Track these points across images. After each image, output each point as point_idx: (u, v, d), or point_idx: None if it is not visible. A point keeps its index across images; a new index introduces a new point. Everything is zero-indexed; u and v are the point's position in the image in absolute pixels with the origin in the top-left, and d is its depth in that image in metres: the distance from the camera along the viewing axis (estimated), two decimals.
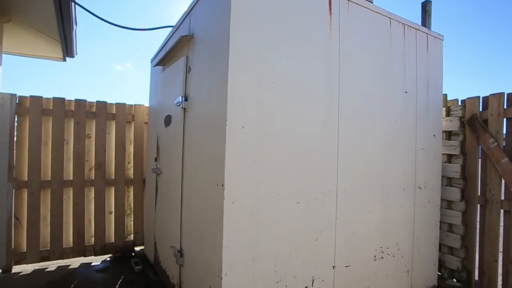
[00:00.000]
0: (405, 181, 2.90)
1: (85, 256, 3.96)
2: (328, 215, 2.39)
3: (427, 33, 3.11)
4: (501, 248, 3.05)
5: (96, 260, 3.98)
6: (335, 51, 2.42)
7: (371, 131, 2.66)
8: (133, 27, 4.33)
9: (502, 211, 3.02)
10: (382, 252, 2.74)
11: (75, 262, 3.90)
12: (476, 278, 3.24)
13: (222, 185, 1.91)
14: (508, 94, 3.01)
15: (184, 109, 2.63)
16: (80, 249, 3.93)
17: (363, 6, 2.62)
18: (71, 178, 3.86)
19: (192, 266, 2.43)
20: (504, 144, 3.03)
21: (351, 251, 2.53)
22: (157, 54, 3.78)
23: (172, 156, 2.90)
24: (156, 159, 3.44)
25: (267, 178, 2.09)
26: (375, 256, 2.69)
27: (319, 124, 2.34)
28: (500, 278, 3.06)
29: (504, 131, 3.04)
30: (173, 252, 2.70)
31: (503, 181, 2.99)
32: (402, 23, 2.89)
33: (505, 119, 3.02)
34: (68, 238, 3.89)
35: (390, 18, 2.79)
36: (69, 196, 3.87)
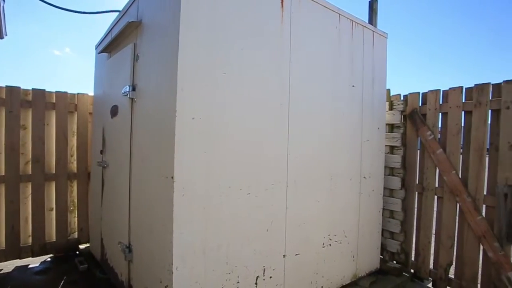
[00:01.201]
0: (351, 171, 3.05)
1: (20, 258, 3.59)
2: (278, 206, 2.44)
3: (373, 31, 3.25)
4: (434, 231, 3.35)
5: (34, 262, 3.67)
6: (286, 44, 2.45)
7: (321, 123, 2.74)
8: (74, 9, 4.02)
9: (436, 197, 3.31)
10: (330, 239, 2.86)
11: (8, 266, 3.54)
12: (413, 258, 3.53)
13: (172, 177, 1.86)
14: (444, 91, 3.27)
15: (132, 99, 2.51)
16: (14, 251, 3.55)
17: (314, 1, 2.67)
18: (3, 173, 3.51)
19: (141, 262, 2.35)
20: (439, 136, 3.30)
21: (301, 239, 2.61)
22: (102, 40, 3.54)
23: (119, 149, 2.76)
24: (102, 152, 3.25)
25: (218, 169, 2.07)
26: (323, 244, 2.81)
27: (270, 115, 2.36)
28: (432, 257, 3.36)
29: (440, 125, 3.31)
30: (121, 248, 2.59)
31: (437, 170, 3.27)
32: (351, 19, 3.00)
33: (440, 114, 3.29)
34: (0, 239, 3.55)
35: (339, 14, 2.88)
36: (1, 193, 3.52)
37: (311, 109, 2.65)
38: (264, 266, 2.36)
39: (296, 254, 2.58)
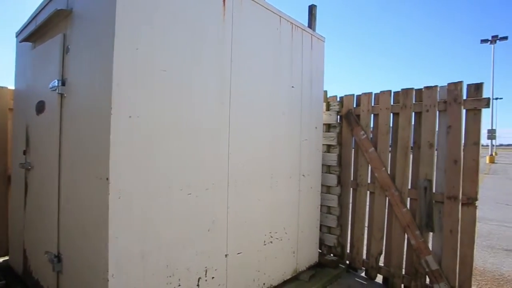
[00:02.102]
0: (291, 170, 3.15)
1: None
2: (219, 205, 2.43)
3: (311, 34, 3.39)
4: (367, 224, 3.59)
5: None
6: (228, 42, 2.45)
7: (261, 123, 2.79)
8: None
9: (368, 192, 3.56)
10: (271, 236, 2.93)
11: None
12: (348, 251, 3.75)
13: (107, 179, 1.76)
14: (375, 94, 3.52)
15: (61, 94, 2.31)
16: None
17: (256, 2, 2.70)
18: None
19: (73, 272, 2.18)
20: (371, 136, 3.55)
21: (243, 238, 2.64)
22: (25, 26, 3.20)
23: (46, 148, 2.52)
24: (25, 152, 2.94)
25: (157, 170, 2.00)
26: (264, 241, 2.86)
27: (211, 115, 2.34)
28: (365, 248, 3.61)
29: (372, 125, 3.56)
30: (48, 258, 2.36)
31: (370, 167, 3.51)
32: (291, 22, 3.09)
33: (372, 115, 3.54)
34: None
35: (280, 16, 2.95)
36: None
37: (252, 109, 2.69)
38: (206, 267, 2.33)
39: (238, 253, 2.60)
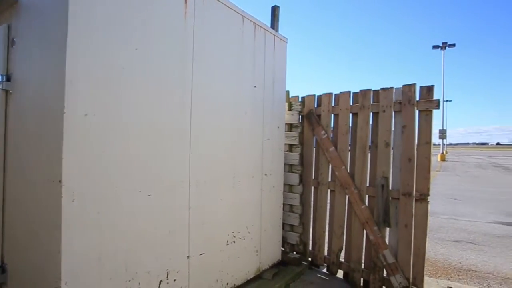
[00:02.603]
0: (253, 169, 3.16)
1: None
2: (181, 206, 2.39)
3: (274, 35, 3.42)
4: (328, 221, 3.69)
5: None
6: (190, 41, 2.41)
7: (223, 122, 2.78)
8: None
9: (329, 190, 3.65)
10: (234, 236, 2.92)
11: None
12: (310, 248, 3.83)
13: (60, 181, 1.66)
14: (335, 95, 3.62)
15: (6, 91, 2.15)
16: None
17: (218, 1, 2.68)
18: None
19: (20, 282, 2.03)
20: (332, 135, 3.65)
21: (205, 239, 2.61)
22: None
23: None
24: None
25: (115, 171, 1.93)
26: (227, 241, 2.85)
27: (172, 113, 2.29)
28: (326, 245, 3.71)
29: (332, 125, 3.66)
30: None
31: (330, 166, 3.60)
32: (254, 22, 3.09)
33: (332, 115, 3.64)
34: None
35: (243, 16, 2.95)
36: None
37: (214, 108, 2.66)
38: (167, 270, 2.28)
39: (201, 254, 2.56)
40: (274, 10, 3.71)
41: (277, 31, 3.55)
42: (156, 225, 2.20)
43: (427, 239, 3.02)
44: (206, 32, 2.55)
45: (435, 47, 34.94)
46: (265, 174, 3.32)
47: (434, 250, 4.78)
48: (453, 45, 34.29)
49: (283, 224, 3.78)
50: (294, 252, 3.87)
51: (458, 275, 3.92)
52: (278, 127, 3.53)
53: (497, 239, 5.52)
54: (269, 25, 3.45)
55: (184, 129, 2.39)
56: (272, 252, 3.51)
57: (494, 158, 40.41)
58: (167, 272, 2.28)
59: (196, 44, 2.46)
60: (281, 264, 3.63)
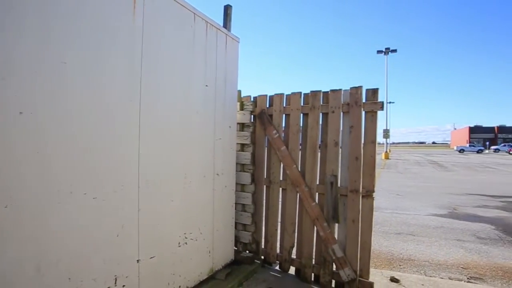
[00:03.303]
0: (205, 169, 3.12)
1: None
2: (129, 208, 2.28)
3: (226, 34, 3.40)
4: (280, 219, 3.75)
5: None
6: (138, 37, 2.31)
7: (174, 121, 2.70)
8: None
9: (281, 189, 3.71)
10: (186, 238, 2.86)
11: None
12: (263, 246, 3.87)
13: None
14: (287, 95, 3.68)
15: None
16: None
17: None
18: None
19: None
20: (283, 135, 3.71)
21: (156, 241, 2.52)
22: None
23: None
24: None
25: (55, 173, 1.79)
26: (179, 243, 2.78)
27: (119, 112, 2.18)
28: (278, 243, 3.76)
29: (283, 125, 3.72)
30: None
31: (282, 165, 3.66)
32: (206, 20, 3.05)
33: (284, 115, 3.70)
34: None
35: (194, 13, 2.89)
36: None
37: (164, 107, 2.58)
38: (115, 275, 2.17)
39: (151, 257, 2.47)
40: (227, 9, 3.68)
41: (229, 30, 3.53)
42: (102, 229, 2.08)
43: (372, 233, 3.18)
44: (156, 28, 2.46)
45: (379, 52, 37.11)
46: (217, 174, 3.29)
47: (379, 243, 5.07)
48: (395, 50, 36.67)
49: (236, 223, 3.78)
50: (247, 251, 3.88)
51: (400, 265, 4.19)
52: (230, 127, 3.52)
53: (433, 230, 5.99)
54: (221, 24, 3.42)
55: (132, 128, 2.28)
56: (225, 252, 3.49)
57: (430, 156, 43.92)
58: (115, 278, 2.17)
59: (146, 40, 2.36)
60: (234, 264, 3.62)
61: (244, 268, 3.58)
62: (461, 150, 61.53)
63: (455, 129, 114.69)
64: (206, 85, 3.08)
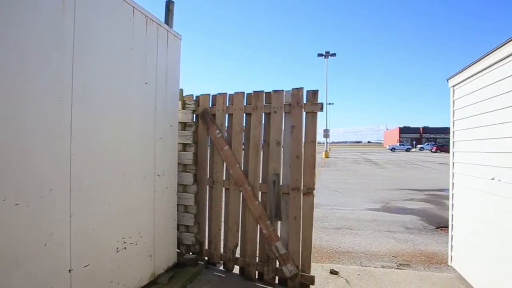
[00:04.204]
0: (145, 170, 2.99)
1: None
2: (60, 214, 2.11)
3: (168, 30, 3.29)
4: (223, 219, 3.73)
5: None
6: (69, 29, 2.14)
7: (111, 120, 2.55)
8: None
9: (224, 189, 3.70)
10: (125, 242, 2.72)
11: None
12: (207, 247, 3.82)
13: None
14: (230, 95, 3.68)
15: None
16: None
17: None
18: None
19: None
20: (226, 134, 3.70)
21: (91, 248, 2.36)
22: None
23: None
24: None
25: None
26: (117, 248, 2.63)
27: (45, 110, 2.01)
28: (222, 243, 3.75)
29: (226, 124, 3.71)
30: None
31: (225, 165, 3.65)
32: (146, 15, 2.92)
33: (227, 115, 3.69)
34: None
35: (133, 7, 2.75)
36: None
37: (100, 105, 2.43)
38: None
39: (86, 266, 2.31)
40: (169, 5, 3.57)
41: (171, 27, 3.43)
42: (27, 239, 1.90)
43: (313, 229, 3.31)
44: (90, 21, 2.30)
45: (319, 55, 38.76)
46: (158, 175, 3.17)
47: (319, 238, 5.29)
48: (334, 54, 38.61)
49: (178, 225, 3.68)
50: (191, 253, 3.81)
51: (339, 258, 4.41)
52: (172, 126, 3.42)
53: (368, 223, 6.40)
54: (163, 20, 3.31)
55: (62, 127, 2.11)
56: (167, 255, 3.38)
57: (366, 154, 46.99)
58: None
59: (78, 30, 2.20)
60: (177, 266, 3.53)
61: (187, 270, 3.50)
62: (393, 149, 66.76)
63: (387, 129, 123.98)
64: (146, 83, 2.96)
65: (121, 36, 2.63)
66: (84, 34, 2.26)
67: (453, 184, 3.96)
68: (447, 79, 4.13)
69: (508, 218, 2.72)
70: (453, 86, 4.00)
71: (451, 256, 3.93)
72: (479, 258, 3.22)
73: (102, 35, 2.44)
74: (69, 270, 2.18)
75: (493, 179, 2.97)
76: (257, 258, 3.51)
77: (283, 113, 3.38)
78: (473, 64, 3.41)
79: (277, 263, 3.36)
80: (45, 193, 2.00)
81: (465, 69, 3.60)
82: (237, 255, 3.65)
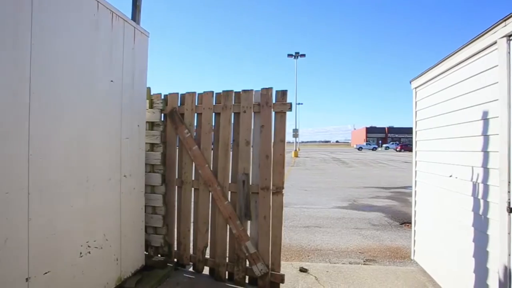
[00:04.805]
0: (111, 171, 2.89)
1: None
2: (17, 219, 1.99)
3: (135, 27, 3.20)
4: (193, 220, 3.69)
5: None
6: (26, 22, 2.02)
7: (73, 119, 2.44)
8: None
9: (193, 189, 3.66)
10: (89, 246, 2.61)
11: None
12: (176, 248, 3.76)
13: None
14: (199, 94, 3.64)
15: None
16: None
17: None
18: None
19: None
20: (195, 134, 3.65)
21: (52, 254, 2.25)
22: None
23: None
24: None
25: None
26: (81, 253, 2.52)
27: (1, 109, 1.89)
28: (192, 244, 3.70)
29: (195, 124, 3.67)
30: None
31: (194, 165, 3.61)
32: (111, 10, 2.82)
33: (196, 114, 3.64)
34: None
35: (98, 1, 2.65)
36: None
37: (61, 104, 2.32)
38: None
39: (46, 273, 2.19)
40: (136, 1, 3.48)
41: (138, 23, 3.34)
42: None
43: (283, 227, 3.34)
44: (50, 14, 2.19)
45: (289, 55, 39.21)
46: (125, 176, 3.08)
47: (289, 236, 5.35)
48: (304, 55, 39.20)
49: (146, 226, 3.59)
50: (159, 255, 3.73)
51: (308, 256, 4.49)
52: (139, 126, 3.33)
53: (336, 221, 6.56)
54: (130, 17, 3.21)
55: (18, 127, 2.00)
56: (135, 258, 3.29)
57: (334, 153, 48.15)
58: None
59: (36, 26, 2.08)
60: (146, 269, 3.44)
61: (156, 273, 3.43)
62: (360, 148, 68.92)
63: (354, 129, 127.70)
64: (112, 81, 2.86)
65: (84, 30, 2.53)
66: (43, 28, 2.15)
67: (415, 181, 4.14)
68: (410, 81, 4.31)
69: (463, 213, 2.88)
70: (416, 88, 4.18)
71: (414, 251, 4.10)
72: (438, 252, 3.39)
73: (63, 29, 2.33)
74: (27, 279, 2.06)
75: (451, 176, 3.14)
76: (227, 258, 3.50)
77: (253, 113, 3.39)
78: (432, 68, 3.59)
79: (247, 262, 3.36)
80: (1, 197, 1.88)
81: (426, 72, 3.78)
82: (207, 255, 3.62)
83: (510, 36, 2.32)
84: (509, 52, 2.33)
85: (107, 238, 2.84)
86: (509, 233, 2.26)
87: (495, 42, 2.46)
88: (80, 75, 2.49)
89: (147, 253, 3.64)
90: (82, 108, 2.52)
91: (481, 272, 2.63)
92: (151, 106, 3.70)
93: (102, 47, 2.73)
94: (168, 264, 3.65)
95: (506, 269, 2.30)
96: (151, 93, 3.76)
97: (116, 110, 2.95)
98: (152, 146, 3.70)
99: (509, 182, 2.27)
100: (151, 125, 3.71)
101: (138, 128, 3.31)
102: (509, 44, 2.34)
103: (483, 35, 2.61)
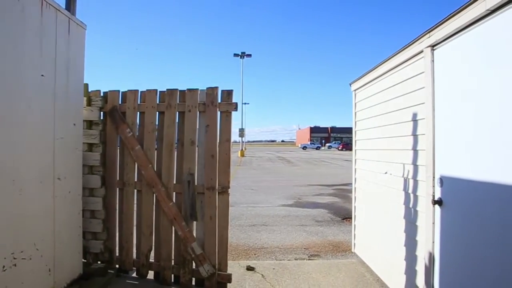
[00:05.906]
0: (42, 173, 2.65)
1: None
2: None
3: (69, 18, 2.97)
4: (136, 223, 3.54)
5: None
6: None
7: None
8: None
9: (135, 191, 3.51)
10: (15, 258, 2.35)
11: None
12: (118, 254, 3.57)
13: None
14: (142, 92, 3.50)
15: None
16: None
17: None
18: None
19: None
20: (137, 133, 3.50)
21: None
22: None
23: None
24: None
25: None
26: (4, 266, 2.25)
27: None
28: (135, 248, 3.55)
29: (138, 123, 3.52)
30: None
31: (136, 165, 3.46)
32: None
33: (138, 113, 3.50)
34: None
35: None
36: None
37: None
38: None
39: None
40: None
41: (74, 14, 3.11)
42: None
43: (229, 227, 3.34)
44: None
45: (235, 55, 39.35)
46: (59, 178, 2.84)
47: (236, 235, 5.37)
48: (250, 55, 39.62)
49: (85, 232, 3.36)
50: (99, 262, 3.51)
51: (255, 254, 4.55)
52: (75, 124, 3.09)
53: (282, 218, 6.73)
54: (63, 6, 2.98)
55: None
56: (71, 267, 3.06)
57: (280, 152, 49.33)
58: None
59: None
60: (84, 278, 3.21)
61: (95, 281, 3.23)
62: (304, 147, 71.40)
63: (299, 128, 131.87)
64: (42, 75, 2.63)
65: (7, 20, 2.28)
66: None
67: (355, 179, 4.40)
68: (350, 84, 4.56)
69: (396, 206, 3.12)
70: (355, 90, 4.44)
71: (354, 244, 4.35)
72: (375, 244, 3.64)
73: None
74: None
75: (386, 173, 3.38)
76: (173, 261, 3.41)
77: (198, 112, 3.34)
78: (369, 72, 3.85)
79: (194, 264, 3.31)
80: None
81: (363, 76, 4.03)
82: (152, 259, 3.49)
83: (433, 46, 2.57)
84: (433, 61, 2.58)
85: (38, 248, 2.60)
86: (433, 223, 2.51)
87: (422, 51, 2.71)
88: (2, 68, 2.24)
89: (85, 260, 3.41)
90: (6, 105, 2.27)
91: (411, 259, 2.87)
92: (89, 104, 3.47)
93: (29, 37, 2.48)
94: (109, 271, 3.45)
95: (430, 255, 2.54)
96: (89, 90, 3.52)
97: (49, 108, 2.71)
98: (90, 146, 3.47)
99: (434, 177, 2.51)
100: (89, 123, 3.48)
101: (74, 127, 3.08)
102: (433, 53, 2.59)
103: (411, 44, 2.86)
